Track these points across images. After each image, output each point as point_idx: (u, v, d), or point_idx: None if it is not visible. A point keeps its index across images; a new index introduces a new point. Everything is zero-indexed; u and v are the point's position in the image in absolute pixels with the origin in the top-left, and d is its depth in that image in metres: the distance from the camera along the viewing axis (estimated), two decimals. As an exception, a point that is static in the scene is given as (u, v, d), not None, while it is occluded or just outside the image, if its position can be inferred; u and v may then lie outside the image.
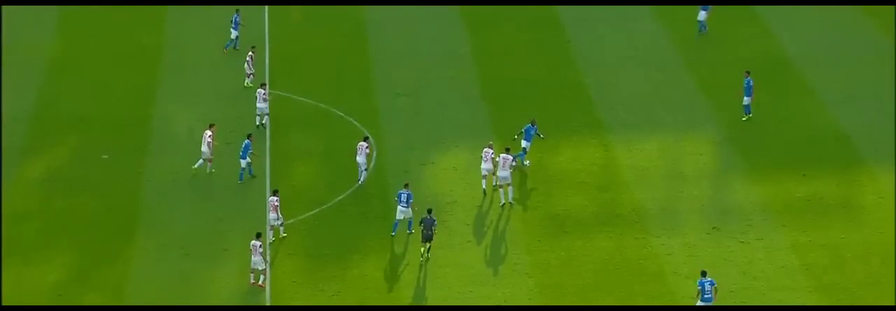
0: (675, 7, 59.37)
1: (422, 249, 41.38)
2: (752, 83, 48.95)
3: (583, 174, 46.59)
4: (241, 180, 45.83)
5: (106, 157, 47.76)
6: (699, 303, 37.97)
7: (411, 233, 42.50)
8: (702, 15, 56.86)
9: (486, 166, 44.71)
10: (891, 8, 59.02)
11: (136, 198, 45.15)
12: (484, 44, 56.74)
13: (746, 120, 49.25)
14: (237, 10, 55.43)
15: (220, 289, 40.33)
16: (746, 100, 49.22)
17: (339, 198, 45.10)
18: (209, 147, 45.76)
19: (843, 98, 51.59)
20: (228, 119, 49.66)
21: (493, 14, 59.33)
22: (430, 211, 41.61)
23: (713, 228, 43.31)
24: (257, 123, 49.19)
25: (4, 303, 39.73)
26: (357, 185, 45.53)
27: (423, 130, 49.75)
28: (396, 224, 42.51)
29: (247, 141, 45.63)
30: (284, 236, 42.12)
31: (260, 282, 39.85)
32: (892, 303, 39.48)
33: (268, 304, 39.67)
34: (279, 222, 41.87)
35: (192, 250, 42.23)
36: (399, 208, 42.21)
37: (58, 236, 43.00)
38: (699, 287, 37.89)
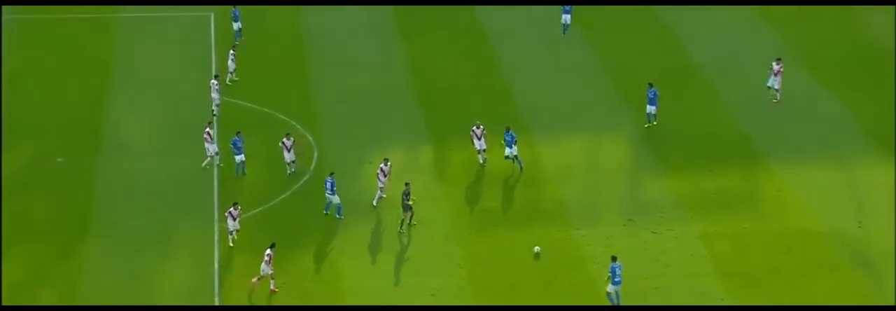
0: (593, 13, 59.54)
1: (402, 218, 42.50)
2: (657, 93, 49.16)
3: (508, 172, 46.73)
4: (236, 174, 45.80)
5: (60, 160, 47.25)
6: (610, 287, 38.24)
7: (341, 218, 42.76)
8: (565, 18, 57.02)
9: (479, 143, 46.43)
10: (784, 11, 59.65)
11: (89, 199, 44.71)
12: (416, 53, 56.74)
13: (649, 127, 49.25)
14: (235, 6, 56.06)
15: (171, 283, 40.05)
16: (650, 109, 49.25)
17: (283, 196, 44.91)
18: (211, 144, 45.77)
19: (742, 100, 52.12)
20: (180, 122, 49.29)
21: (425, 25, 59.33)
22: (407, 184, 42.80)
23: (629, 220, 43.61)
24: (215, 112, 49.58)
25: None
26: (299, 182, 45.38)
27: (362, 132, 49.68)
28: (328, 206, 43.24)
29: (235, 138, 45.63)
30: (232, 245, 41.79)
31: (272, 287, 39.37)
32: (793, 288, 39.91)
33: (216, 297, 39.40)
34: (236, 229, 41.46)
35: (143, 247, 41.89)
36: (326, 194, 42.88)
37: (14, 235, 42.47)
38: (610, 272, 38.17)
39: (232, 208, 41.04)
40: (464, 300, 39.18)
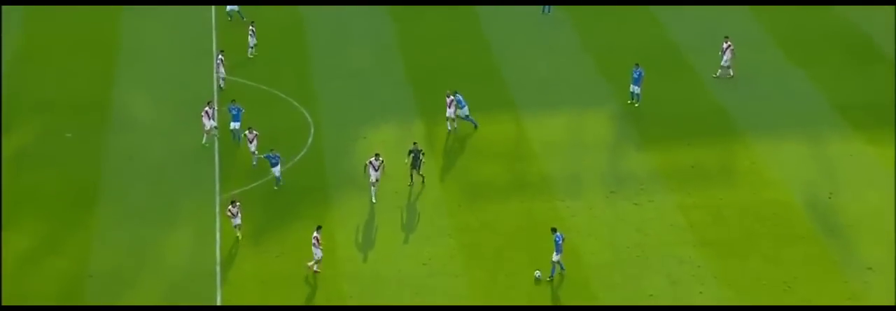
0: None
1: (411, 175, 42.84)
2: (642, 74, 49.22)
3: (497, 147, 46.92)
4: (233, 140, 46.12)
5: (69, 136, 47.33)
6: (555, 255, 38.36)
7: (279, 188, 43.15)
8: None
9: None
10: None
11: (96, 172, 44.83)
12: (407, 33, 56.75)
13: (633, 105, 49.28)
14: None
15: (175, 252, 40.28)
16: (634, 88, 49.24)
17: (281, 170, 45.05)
18: (209, 120, 45.98)
19: (720, 77, 52.25)
20: (184, 102, 49.42)
21: (416, 7, 59.26)
22: (415, 143, 43.31)
23: (611, 192, 43.84)
24: (219, 86, 49.90)
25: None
26: (296, 157, 45.54)
27: (356, 109, 49.78)
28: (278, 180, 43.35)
29: (232, 105, 45.91)
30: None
31: (315, 268, 38.93)
32: (766, 255, 40.25)
33: (218, 265, 39.63)
34: (238, 224, 40.87)
35: (148, 218, 42.06)
36: (273, 169, 43.25)
37: (26, 207, 42.62)
38: (556, 242, 38.36)
39: (231, 206, 40.11)
40: (454, 268, 39.46)
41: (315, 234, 38.62)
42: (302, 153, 46.12)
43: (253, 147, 44.69)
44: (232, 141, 46.23)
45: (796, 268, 39.55)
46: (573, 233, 41.19)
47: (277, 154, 43.42)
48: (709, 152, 46.44)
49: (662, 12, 58.54)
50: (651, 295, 38.44)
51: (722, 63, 51.58)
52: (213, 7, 58.68)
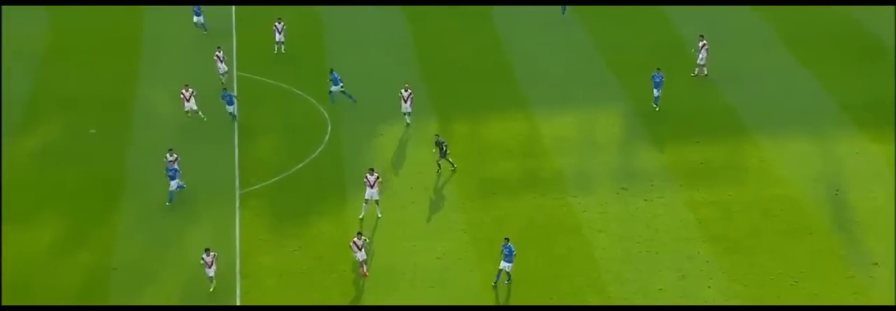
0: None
1: (438, 164, 43.14)
2: (663, 78, 48.41)
3: (510, 144, 46.43)
4: (232, 120, 46.39)
5: (93, 131, 47.07)
6: (504, 263, 37.08)
7: (170, 204, 41.40)
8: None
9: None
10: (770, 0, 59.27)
11: (120, 167, 44.56)
12: (422, 32, 56.30)
13: (655, 109, 48.49)
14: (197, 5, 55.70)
15: (195, 246, 39.92)
16: (656, 92, 48.52)
17: (299, 166, 44.70)
18: (191, 101, 46.36)
19: (728, 77, 51.70)
20: (205, 99, 49.07)
21: (430, 7, 58.85)
22: (437, 135, 43.55)
23: (621, 188, 43.32)
24: (223, 80, 50.01)
25: (5, 262, 39.02)
26: (313, 153, 45.15)
27: (372, 106, 49.33)
28: (171, 195, 41.62)
29: (224, 92, 46.07)
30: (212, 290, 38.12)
31: (364, 271, 38.05)
32: (773, 251, 39.69)
33: (237, 259, 39.26)
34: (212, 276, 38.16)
35: (170, 213, 41.71)
36: (171, 183, 41.60)
37: (52, 202, 42.38)
38: (505, 251, 36.96)
39: (205, 254, 37.29)
40: (468, 262, 39.01)
41: (355, 239, 37.73)
42: (320, 149, 45.71)
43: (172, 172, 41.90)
44: (232, 122, 46.03)
45: (803, 263, 39.00)
46: (585, 228, 40.68)
47: (177, 167, 41.76)
48: (717, 150, 45.89)
49: (673, 12, 57.91)
50: (661, 289, 37.91)
51: (697, 62, 50.96)
52: (232, 7, 58.27)
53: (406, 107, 46.67)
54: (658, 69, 48.77)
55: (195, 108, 46.63)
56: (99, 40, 55.05)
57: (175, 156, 42.80)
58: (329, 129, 47.25)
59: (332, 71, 48.25)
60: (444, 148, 43.22)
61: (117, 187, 43.18)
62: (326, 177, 43.83)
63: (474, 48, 54.76)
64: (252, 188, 43.05)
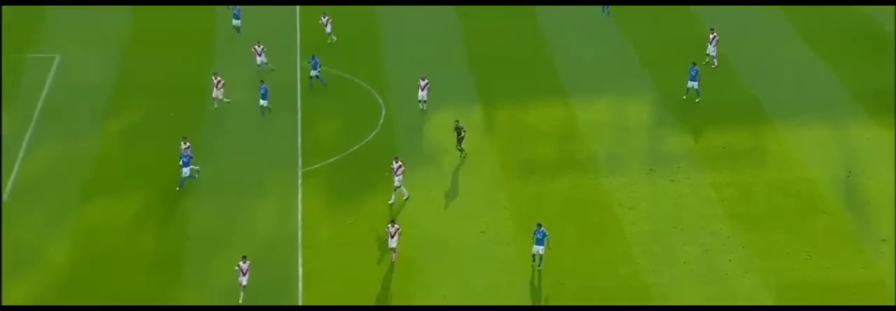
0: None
1: (459, 149, 42.58)
2: (698, 71, 47.23)
3: (548, 128, 45.97)
4: (263, 115, 45.78)
5: (173, 115, 47.13)
6: (536, 246, 36.35)
7: (180, 190, 40.25)
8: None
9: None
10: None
11: (195, 147, 44.46)
12: (470, 27, 55.84)
13: (685, 98, 47.41)
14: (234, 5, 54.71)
15: (262, 218, 40.02)
16: (692, 84, 47.17)
17: (355, 148, 44.55)
18: (219, 89, 46.11)
19: (751, 69, 50.85)
20: (271, 87, 48.90)
21: (478, 4, 58.33)
22: (457, 121, 43.01)
23: (650, 170, 42.75)
24: (259, 69, 49.63)
25: (93, 232, 39.19)
26: (369, 136, 44.94)
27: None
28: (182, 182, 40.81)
29: (261, 85, 45.66)
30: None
31: (394, 257, 36.91)
32: (789, 228, 38.97)
33: (299, 230, 39.19)
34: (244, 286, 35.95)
35: (239, 188, 41.85)
36: (183, 169, 40.89)
37: (135, 177, 42.55)
38: (537, 236, 36.23)
39: (241, 262, 35.35)
40: (508, 237, 38.69)
41: (389, 228, 36.99)
42: (375, 132, 45.51)
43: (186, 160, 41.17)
44: (261, 117, 45.65)
45: (817, 239, 38.30)
46: (616, 206, 40.23)
47: (190, 154, 40.85)
48: (739, 135, 45.19)
49: (700, 11, 57.01)
50: (685, 262, 37.37)
51: (708, 52, 49.98)
52: (297, 7, 58.11)
53: (422, 95, 46.24)
54: (693, 63, 47.99)
55: (220, 96, 46.11)
56: (176, 35, 55.07)
57: (188, 144, 42.00)
58: (383, 114, 47.02)
59: (312, 57, 47.98)
60: (462, 134, 42.63)
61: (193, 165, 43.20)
62: (380, 158, 43.61)
63: (518, 43, 54.24)
64: (312, 167, 42.97)
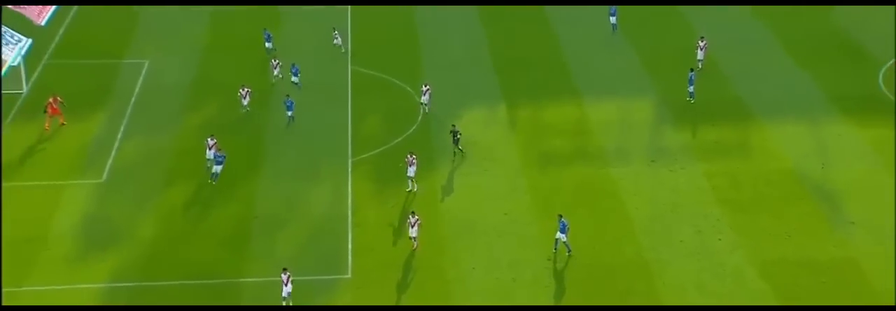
0: (627, 8, 58.33)
1: (454, 150, 42.31)
2: (694, 77, 47.45)
3: (563, 124, 46.38)
4: (288, 123, 45.48)
5: (245, 110, 47.64)
6: (559, 234, 36.38)
7: (214, 183, 40.24)
8: (612, 20, 55.21)
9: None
10: (774, 8, 57.96)
11: (261, 138, 45.24)
12: (494, 33, 56.13)
13: (689, 102, 47.68)
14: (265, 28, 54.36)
15: (317, 201, 40.64)
16: (692, 88, 47.59)
17: (397, 141, 45.08)
18: (246, 99, 46.16)
19: (738, 74, 50.95)
20: (326, 86, 49.47)
21: (500, 12, 58.59)
22: (454, 125, 42.84)
23: (651, 161, 43.13)
24: (273, 82, 49.12)
25: (172, 213, 39.78)
26: (408, 130, 45.49)
27: (454, 93, 49.42)
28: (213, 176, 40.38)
29: (287, 99, 45.49)
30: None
31: (415, 245, 36.64)
32: (772, 212, 39.32)
33: (350, 212, 39.79)
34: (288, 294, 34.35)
35: (298, 175, 42.39)
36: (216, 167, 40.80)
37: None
38: (560, 225, 36.21)
39: (283, 273, 33.66)
40: (529, 218, 39.25)
41: (410, 219, 36.75)
42: (413, 127, 46.04)
43: (210, 154, 41.06)
44: (286, 127, 45.32)
45: (795, 222, 38.71)
46: (622, 193, 40.71)
47: (223, 154, 40.44)
48: (729, 131, 45.48)
49: (697, 22, 56.90)
50: (681, 241, 37.87)
51: (698, 58, 50.11)
52: (348, 9, 58.29)
53: (424, 99, 46.18)
54: (692, 69, 48.19)
55: (246, 106, 45.91)
56: (247, 38, 55.49)
57: (214, 140, 41.55)
58: (421, 112, 47.51)
59: (293, 65, 48.13)
60: (458, 137, 42.78)
61: (259, 154, 43.85)
62: (418, 149, 44.12)
63: (536, 48, 54.48)
64: (361, 157, 43.55)
